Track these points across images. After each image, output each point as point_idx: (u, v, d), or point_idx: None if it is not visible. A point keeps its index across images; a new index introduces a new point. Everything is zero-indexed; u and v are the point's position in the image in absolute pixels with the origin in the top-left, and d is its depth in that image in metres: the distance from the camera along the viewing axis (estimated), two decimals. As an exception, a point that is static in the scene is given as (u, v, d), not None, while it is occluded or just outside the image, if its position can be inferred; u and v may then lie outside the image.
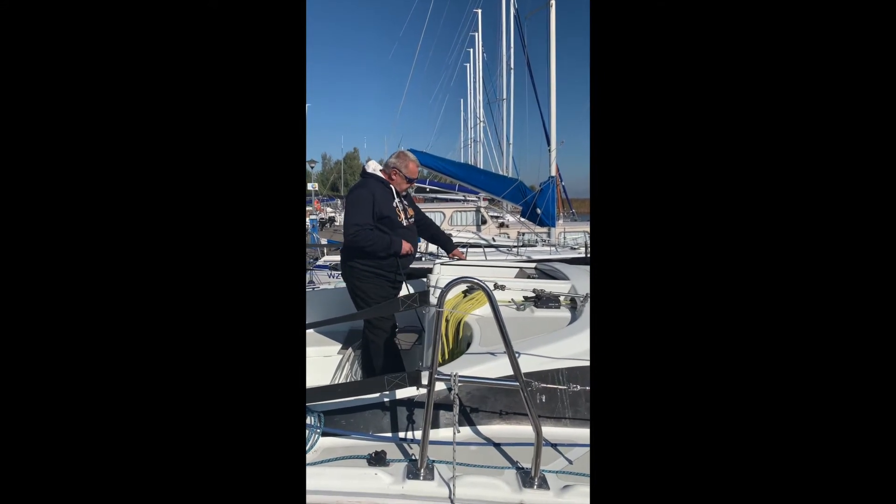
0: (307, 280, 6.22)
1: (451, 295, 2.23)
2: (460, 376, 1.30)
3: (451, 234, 9.04)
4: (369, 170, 2.87)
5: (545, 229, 8.29)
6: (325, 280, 5.52)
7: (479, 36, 19.17)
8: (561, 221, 9.96)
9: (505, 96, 16.73)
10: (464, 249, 6.45)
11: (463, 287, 2.19)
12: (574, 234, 10.10)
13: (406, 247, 2.75)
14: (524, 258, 7.13)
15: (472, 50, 20.83)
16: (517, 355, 1.64)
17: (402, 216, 2.83)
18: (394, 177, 2.86)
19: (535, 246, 8.04)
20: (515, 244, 8.05)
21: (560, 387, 1.48)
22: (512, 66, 16.49)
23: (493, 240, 8.81)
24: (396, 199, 2.83)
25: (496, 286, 1.42)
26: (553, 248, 7.60)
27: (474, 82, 21.07)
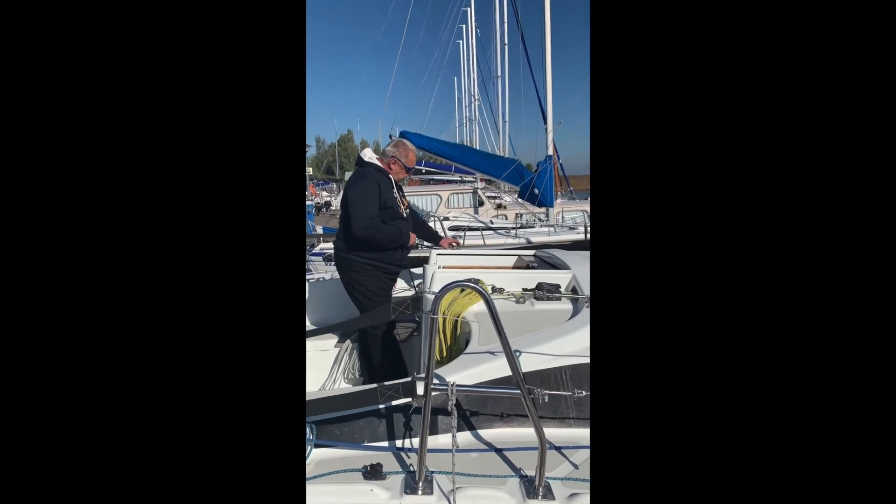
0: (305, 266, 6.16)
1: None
2: (458, 386, 1.23)
3: (447, 217, 8.92)
4: (366, 158, 2.78)
5: (543, 210, 8.19)
6: (322, 269, 5.44)
7: (471, 11, 18.71)
8: (559, 201, 9.86)
9: (499, 74, 16.45)
10: (461, 234, 6.37)
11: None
12: (572, 214, 10.00)
13: (413, 239, 2.73)
14: (523, 240, 7.07)
15: (464, 26, 20.37)
16: (517, 354, 1.58)
17: (402, 207, 2.78)
18: (392, 166, 2.79)
19: (533, 227, 7.96)
20: (513, 226, 7.96)
21: (565, 393, 1.41)
22: (506, 41, 16.19)
23: (491, 222, 8.72)
24: (395, 189, 2.76)
25: (494, 289, 1.35)
26: (552, 229, 7.51)
27: (468, 60, 20.68)
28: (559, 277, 2.18)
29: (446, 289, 1.19)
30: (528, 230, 7.61)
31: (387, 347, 2.76)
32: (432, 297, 1.24)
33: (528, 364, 1.54)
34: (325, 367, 2.92)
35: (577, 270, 2.24)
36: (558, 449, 1.42)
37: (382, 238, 2.59)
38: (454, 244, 3.15)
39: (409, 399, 1.31)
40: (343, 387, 3.01)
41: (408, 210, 2.88)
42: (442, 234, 5.61)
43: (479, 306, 1.98)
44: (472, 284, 1.19)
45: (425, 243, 3.21)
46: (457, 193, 11.34)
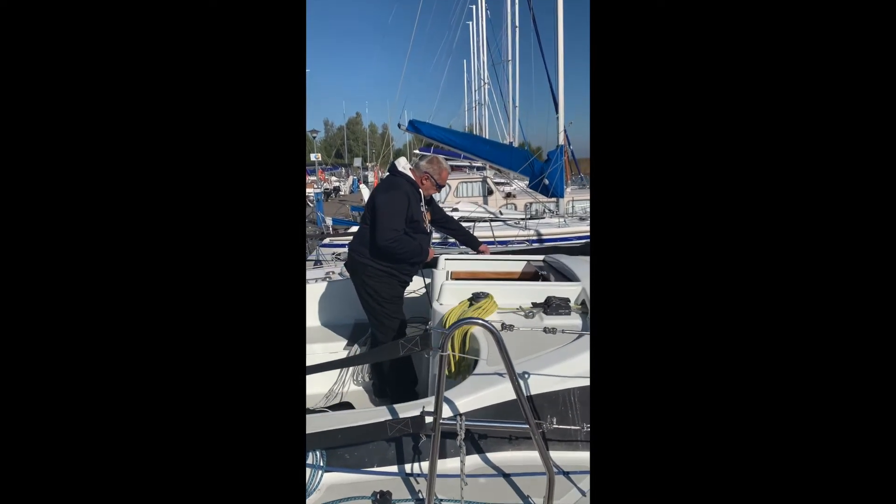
0: (315, 258, 6.18)
1: (456, 302, 2.15)
2: (468, 421, 1.24)
3: (456, 207, 8.85)
4: (400, 168, 2.79)
5: (553, 200, 8.12)
6: (332, 264, 5.46)
7: (481, -8, 18.31)
8: (569, 189, 9.76)
9: (510, 58, 16.17)
10: (471, 225, 6.36)
11: (468, 295, 2.11)
12: (583, 203, 9.90)
13: (431, 254, 2.76)
14: (532, 231, 7.03)
15: (474, 7, 19.98)
16: (526, 377, 1.58)
17: (426, 222, 2.80)
18: (424, 182, 2.80)
19: (542, 218, 7.90)
20: (523, 216, 7.91)
21: (573, 427, 1.42)
22: (517, 24, 15.87)
23: (500, 212, 8.67)
24: (423, 203, 2.77)
25: (503, 326, 1.35)
26: (562, 220, 7.46)
27: (477, 42, 20.32)
28: (569, 290, 2.17)
29: (457, 325, 1.19)
30: (539, 221, 7.56)
31: (397, 359, 2.78)
32: (440, 332, 1.24)
33: (536, 386, 1.55)
34: (334, 372, 2.95)
35: (587, 282, 2.23)
36: (566, 475, 1.43)
37: (404, 253, 2.62)
38: (487, 251, 3.18)
39: (419, 433, 1.32)
40: (353, 389, 3.05)
41: (431, 223, 2.90)
42: None
43: (490, 319, 1.98)
44: (481, 321, 1.19)
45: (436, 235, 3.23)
46: (466, 182, 11.27)
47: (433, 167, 2.82)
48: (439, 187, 2.87)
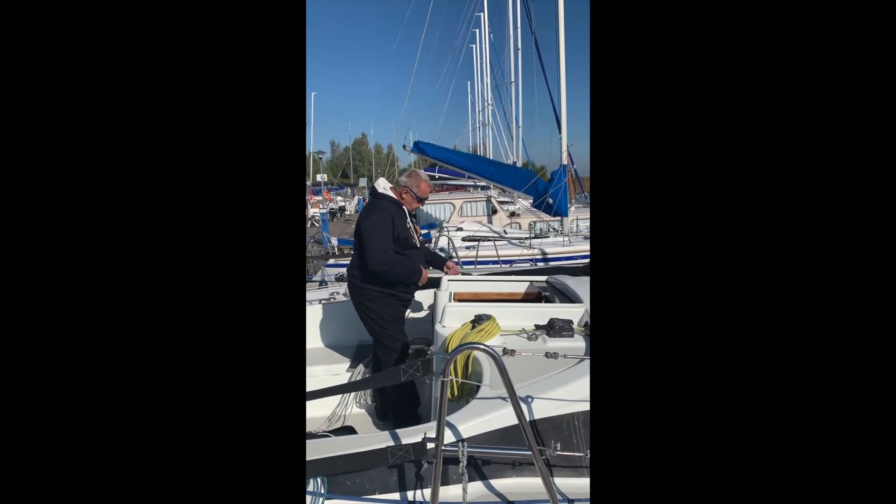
0: (320, 279, 6.19)
1: (458, 324, 2.15)
2: (470, 447, 1.22)
3: (461, 227, 8.86)
4: (380, 189, 2.81)
5: (557, 219, 8.14)
6: (335, 284, 5.47)
7: (484, 16, 18.67)
8: (573, 208, 9.77)
9: (513, 79, 16.40)
10: (475, 244, 6.36)
11: (471, 317, 2.10)
12: (587, 222, 9.89)
13: (424, 276, 2.75)
14: (537, 251, 7.02)
15: (477, 30, 20.33)
16: (529, 401, 1.56)
17: (415, 237, 2.80)
18: (405, 196, 2.82)
19: (547, 237, 7.90)
20: (527, 236, 7.92)
21: (578, 454, 1.39)
22: (519, 46, 16.14)
23: (504, 231, 8.68)
24: (408, 219, 2.78)
25: (505, 351, 1.34)
26: (566, 239, 7.46)
27: (481, 64, 20.63)
28: (572, 312, 2.16)
29: (457, 351, 1.18)
30: (543, 240, 7.57)
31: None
32: (442, 357, 1.24)
33: (539, 410, 1.53)
34: (337, 395, 2.93)
35: (590, 304, 2.22)
36: (571, 502, 1.40)
37: (397, 275, 2.63)
38: (457, 271, 3.12)
39: (421, 460, 1.31)
40: (355, 412, 3.03)
41: (420, 238, 2.90)
42: (453, 247, 5.58)
43: (493, 341, 1.97)
44: (482, 346, 1.18)
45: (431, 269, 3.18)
46: (470, 202, 11.31)
47: (412, 180, 2.84)
48: (420, 200, 2.87)
